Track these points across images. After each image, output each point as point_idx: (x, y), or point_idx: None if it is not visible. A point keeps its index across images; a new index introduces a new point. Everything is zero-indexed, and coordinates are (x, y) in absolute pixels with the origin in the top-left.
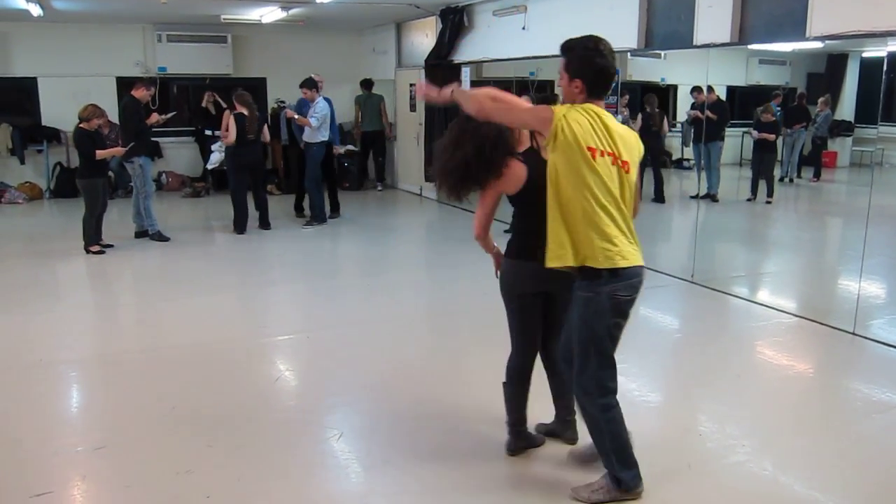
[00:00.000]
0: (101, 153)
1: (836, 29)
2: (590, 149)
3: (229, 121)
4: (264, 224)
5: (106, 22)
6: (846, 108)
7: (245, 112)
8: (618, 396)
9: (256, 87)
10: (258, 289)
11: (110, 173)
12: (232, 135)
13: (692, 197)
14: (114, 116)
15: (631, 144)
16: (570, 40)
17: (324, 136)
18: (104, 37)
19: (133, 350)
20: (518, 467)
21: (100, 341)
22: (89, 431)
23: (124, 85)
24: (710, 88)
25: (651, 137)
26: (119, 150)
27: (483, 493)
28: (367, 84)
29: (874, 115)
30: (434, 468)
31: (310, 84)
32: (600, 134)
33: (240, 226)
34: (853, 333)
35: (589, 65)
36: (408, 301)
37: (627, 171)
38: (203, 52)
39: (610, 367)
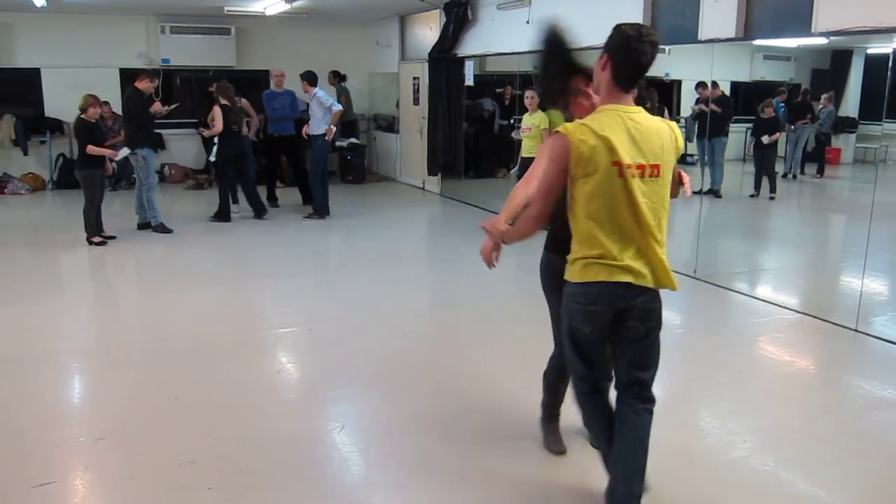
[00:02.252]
0: (92, 149)
1: (842, 25)
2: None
3: (216, 113)
4: (259, 211)
5: (109, 13)
6: (850, 105)
7: (229, 104)
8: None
9: (260, 80)
10: (260, 281)
11: (113, 164)
12: (219, 126)
13: (695, 192)
14: (117, 108)
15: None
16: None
17: (325, 126)
18: (107, 28)
19: (135, 341)
20: (520, 459)
21: (102, 332)
22: (92, 422)
23: (127, 76)
24: (714, 84)
25: None
26: (111, 153)
27: (486, 484)
28: (343, 77)
29: (878, 111)
30: (436, 460)
31: (311, 78)
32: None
33: (224, 215)
34: (855, 330)
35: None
36: (410, 294)
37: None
38: (206, 44)
39: None
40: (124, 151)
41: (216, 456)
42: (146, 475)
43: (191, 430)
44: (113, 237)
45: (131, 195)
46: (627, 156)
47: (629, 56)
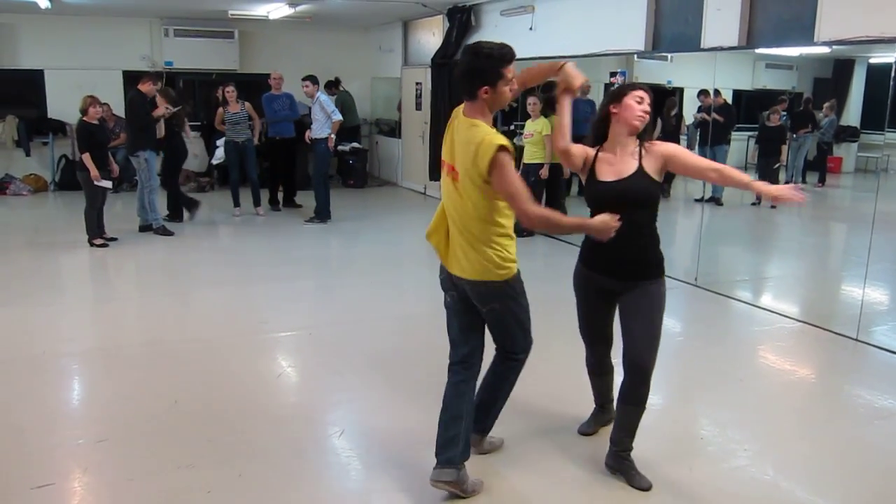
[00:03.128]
0: (87, 159)
1: (844, 34)
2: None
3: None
4: (175, 214)
5: (113, 15)
6: (852, 114)
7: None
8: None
9: (262, 84)
10: (261, 284)
11: (116, 166)
12: (161, 131)
13: (696, 200)
14: (119, 110)
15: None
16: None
17: (328, 131)
18: (111, 30)
19: (135, 343)
20: (522, 465)
21: (102, 334)
22: (91, 424)
23: (130, 79)
24: (716, 92)
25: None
26: (95, 174)
27: (487, 492)
28: (337, 82)
29: (880, 121)
30: None
31: (315, 80)
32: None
33: (191, 212)
34: (856, 339)
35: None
36: (411, 299)
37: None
38: (210, 48)
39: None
40: (107, 183)
41: (216, 459)
42: (146, 478)
43: (190, 433)
44: (114, 239)
45: (133, 197)
46: (446, 155)
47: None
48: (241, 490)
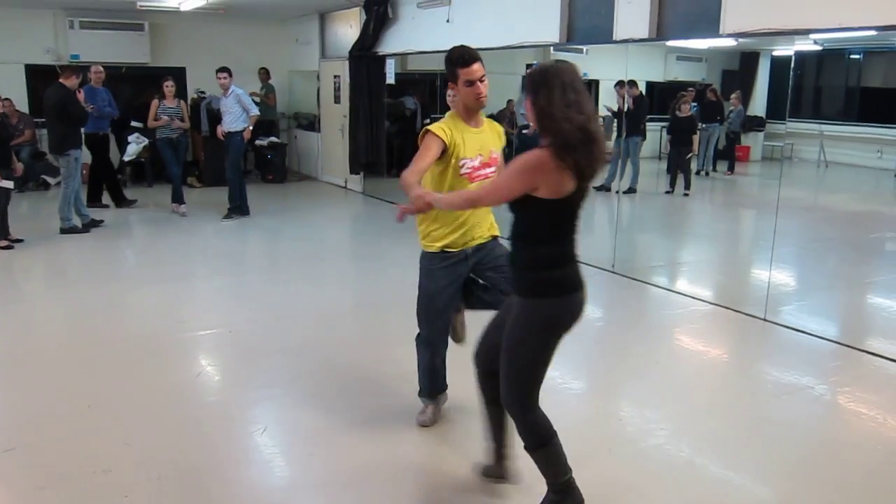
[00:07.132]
0: None
1: (748, 27)
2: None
3: None
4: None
5: (13, 6)
6: (758, 105)
7: None
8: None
9: (176, 77)
10: (177, 282)
11: (20, 164)
12: None
13: (615, 191)
14: (22, 106)
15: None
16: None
17: (244, 123)
18: (12, 22)
19: (45, 348)
20: (446, 459)
21: (8, 339)
22: None
23: (34, 73)
24: (632, 83)
25: None
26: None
27: (411, 482)
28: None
29: (783, 111)
30: (359, 460)
31: (230, 72)
32: None
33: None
34: (764, 319)
35: None
36: (333, 293)
37: None
38: (119, 40)
39: None
40: (8, 183)
41: (133, 463)
42: (59, 485)
43: (106, 437)
44: (20, 240)
45: (40, 197)
46: None
47: None
48: (160, 493)
